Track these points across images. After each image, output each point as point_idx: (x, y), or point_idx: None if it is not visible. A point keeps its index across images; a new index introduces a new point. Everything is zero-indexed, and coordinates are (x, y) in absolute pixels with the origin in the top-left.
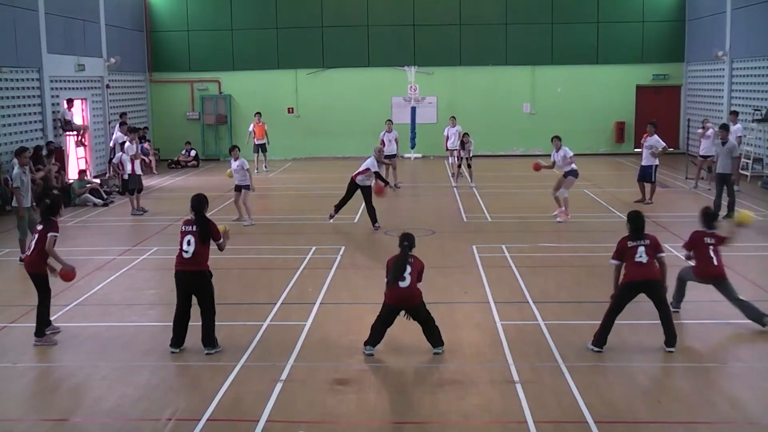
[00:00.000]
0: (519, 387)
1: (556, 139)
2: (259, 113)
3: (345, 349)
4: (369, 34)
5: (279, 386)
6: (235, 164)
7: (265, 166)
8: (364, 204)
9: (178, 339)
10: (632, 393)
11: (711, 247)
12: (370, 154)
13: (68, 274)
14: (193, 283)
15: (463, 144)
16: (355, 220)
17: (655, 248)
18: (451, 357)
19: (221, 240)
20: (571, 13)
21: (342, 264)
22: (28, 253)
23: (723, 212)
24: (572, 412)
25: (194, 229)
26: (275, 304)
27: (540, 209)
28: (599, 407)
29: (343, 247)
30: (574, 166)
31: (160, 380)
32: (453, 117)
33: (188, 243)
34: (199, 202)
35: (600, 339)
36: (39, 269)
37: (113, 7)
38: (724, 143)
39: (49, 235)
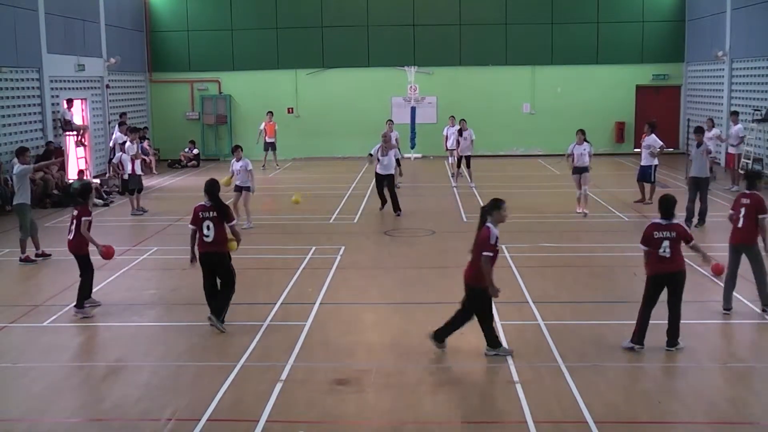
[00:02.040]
0: (519, 387)
1: (581, 133)
2: (271, 112)
3: (345, 349)
4: (369, 34)
5: (279, 386)
6: (238, 165)
7: (277, 164)
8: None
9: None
10: (632, 393)
11: (744, 208)
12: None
13: (107, 253)
14: (216, 262)
15: (460, 131)
16: (355, 220)
17: (680, 240)
18: (451, 357)
19: (234, 221)
20: (571, 13)
21: (342, 264)
22: (70, 237)
23: (695, 221)
24: (572, 412)
25: (211, 214)
26: (275, 304)
27: (540, 209)
28: (599, 407)
29: (343, 247)
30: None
31: (160, 380)
32: (452, 117)
33: (208, 228)
34: (212, 187)
35: (639, 335)
36: (80, 251)
37: (113, 7)
38: (698, 146)
39: (82, 219)
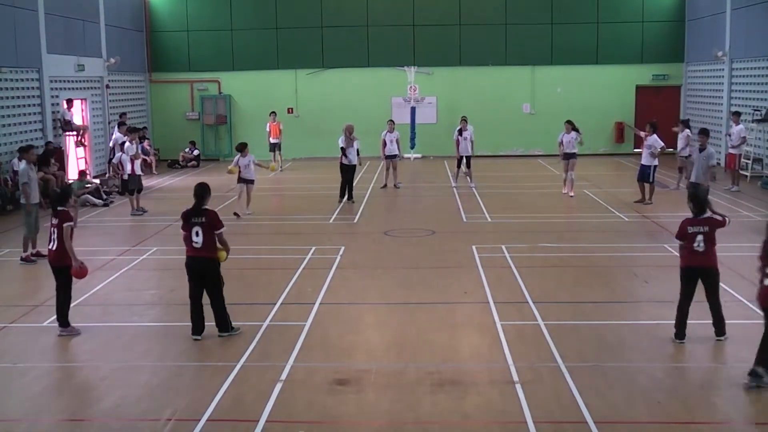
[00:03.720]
0: (519, 387)
1: (569, 123)
2: (274, 112)
3: (345, 349)
4: (369, 34)
5: (279, 386)
6: (244, 160)
7: (280, 167)
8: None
9: (197, 327)
10: (632, 393)
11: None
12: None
13: (78, 272)
14: (203, 269)
15: (461, 131)
16: (355, 220)
17: (714, 233)
18: (451, 357)
19: (221, 230)
20: (571, 13)
21: (342, 264)
22: (53, 248)
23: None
24: (572, 412)
25: (200, 219)
26: (275, 304)
27: (540, 209)
28: (599, 407)
29: (342, 247)
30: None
31: (160, 380)
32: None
33: (197, 234)
34: (202, 191)
35: (679, 330)
36: (63, 262)
37: (113, 7)
38: (702, 149)
39: (64, 226)
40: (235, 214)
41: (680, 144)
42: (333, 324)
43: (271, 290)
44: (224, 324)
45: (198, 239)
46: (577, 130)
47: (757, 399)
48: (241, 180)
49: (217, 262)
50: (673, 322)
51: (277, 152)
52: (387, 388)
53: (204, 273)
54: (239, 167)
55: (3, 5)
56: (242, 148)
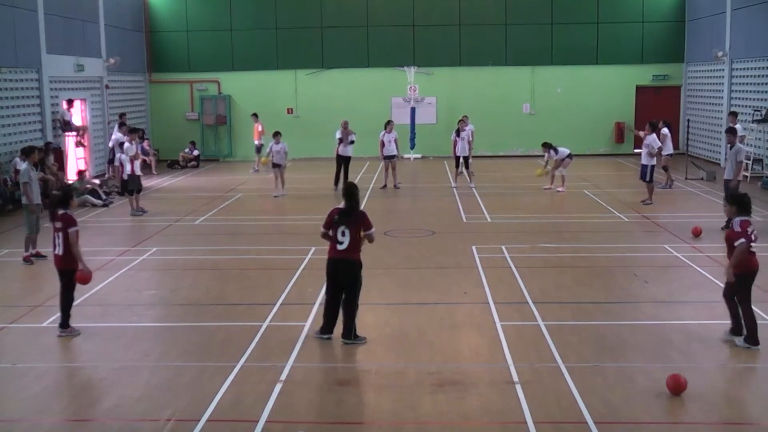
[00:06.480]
0: (519, 387)
1: (546, 146)
2: (254, 114)
3: (345, 349)
4: (369, 35)
5: (279, 386)
6: (277, 146)
7: (255, 169)
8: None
9: (328, 325)
10: (632, 393)
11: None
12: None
13: (84, 277)
14: (345, 271)
15: (458, 132)
16: None
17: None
18: (451, 357)
19: (372, 230)
20: (571, 13)
21: None
22: (59, 252)
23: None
24: (572, 413)
25: (348, 218)
26: (275, 304)
27: (540, 209)
28: (599, 408)
29: None
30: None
31: (160, 380)
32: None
33: (342, 234)
34: (352, 191)
35: (736, 326)
36: (71, 266)
37: (112, 7)
38: (731, 147)
39: (70, 231)
40: (275, 196)
41: (664, 143)
42: None
43: (271, 290)
44: (348, 331)
45: (344, 239)
46: (554, 149)
47: (757, 399)
48: (275, 165)
49: (360, 264)
50: (673, 322)
51: (256, 154)
52: (387, 388)
53: (345, 275)
54: (272, 153)
55: (3, 5)
56: (274, 135)
